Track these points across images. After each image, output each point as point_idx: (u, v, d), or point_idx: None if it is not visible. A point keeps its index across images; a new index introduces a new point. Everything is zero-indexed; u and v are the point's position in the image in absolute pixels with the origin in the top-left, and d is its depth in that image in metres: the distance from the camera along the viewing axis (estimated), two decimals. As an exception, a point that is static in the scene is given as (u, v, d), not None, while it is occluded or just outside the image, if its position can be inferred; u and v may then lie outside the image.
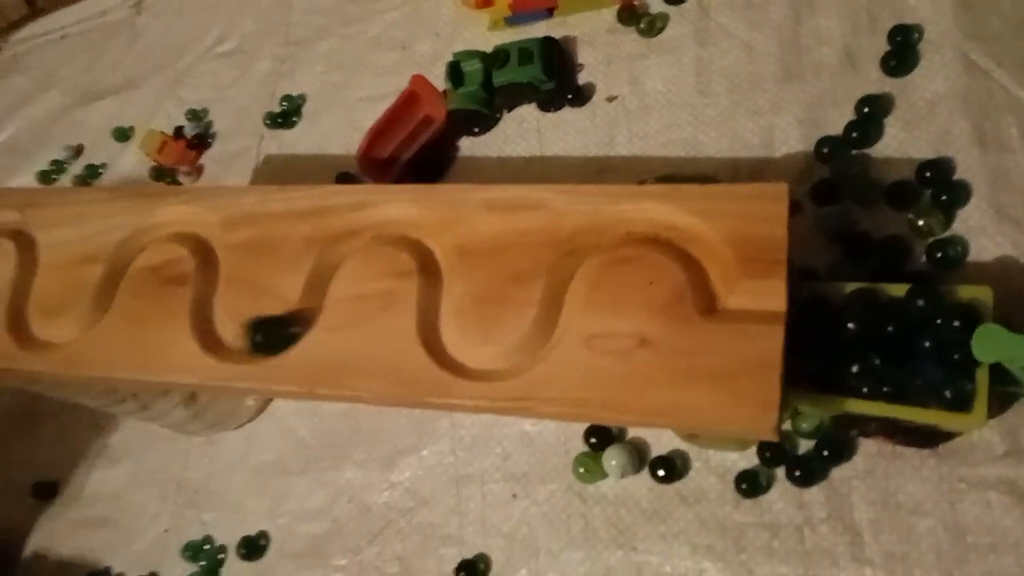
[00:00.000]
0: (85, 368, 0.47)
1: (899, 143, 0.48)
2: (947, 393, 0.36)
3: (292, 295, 0.44)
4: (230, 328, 0.45)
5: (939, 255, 0.44)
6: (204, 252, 0.47)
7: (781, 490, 0.44)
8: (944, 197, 0.45)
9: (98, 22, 0.96)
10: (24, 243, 0.52)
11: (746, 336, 0.36)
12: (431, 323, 0.42)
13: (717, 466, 0.45)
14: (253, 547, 0.56)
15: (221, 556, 0.58)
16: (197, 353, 0.44)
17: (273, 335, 0.42)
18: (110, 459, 0.67)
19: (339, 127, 0.70)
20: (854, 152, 0.49)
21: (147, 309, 0.47)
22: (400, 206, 0.45)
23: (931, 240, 0.45)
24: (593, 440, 0.48)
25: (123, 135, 0.84)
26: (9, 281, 0.51)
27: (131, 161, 0.82)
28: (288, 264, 0.45)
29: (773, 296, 0.37)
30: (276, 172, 0.72)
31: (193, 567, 0.58)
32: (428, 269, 0.43)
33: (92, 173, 0.83)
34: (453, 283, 0.43)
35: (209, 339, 0.45)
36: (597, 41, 0.61)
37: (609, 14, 0.61)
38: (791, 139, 0.51)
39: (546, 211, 0.42)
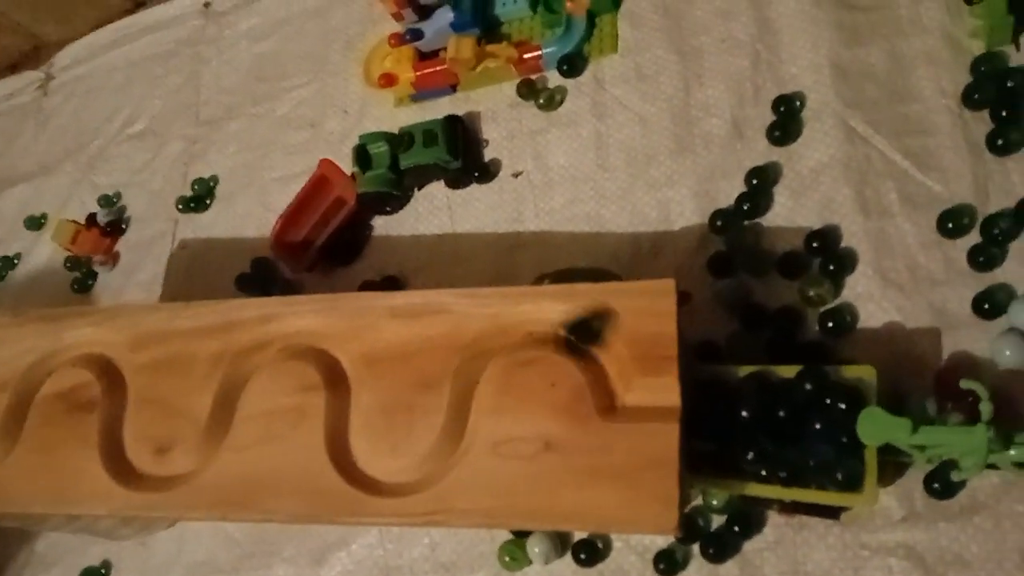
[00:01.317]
0: (-1, 502, 0.46)
1: (788, 211, 0.50)
2: (838, 475, 0.38)
3: (202, 414, 0.44)
4: (140, 452, 0.44)
5: (830, 324, 0.45)
6: (112, 374, 0.47)
7: (697, 566, 0.45)
8: (832, 267, 0.47)
9: (5, 105, 0.94)
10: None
11: (644, 434, 0.38)
12: (340, 438, 0.42)
13: (636, 545, 0.46)
14: (190, 653, 0.56)
15: (159, 664, 0.57)
16: (108, 482, 0.44)
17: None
18: (42, 565, 0.65)
19: (253, 208, 0.70)
20: (746, 223, 0.50)
21: (57, 437, 0.46)
22: (306, 317, 0.45)
23: (822, 309, 0.46)
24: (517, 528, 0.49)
25: (36, 223, 0.82)
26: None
27: (46, 251, 0.80)
28: (197, 382, 0.45)
29: (667, 392, 0.38)
30: (192, 257, 0.71)
31: None
32: (335, 381, 0.44)
33: (7, 264, 0.81)
34: (361, 393, 0.43)
35: (119, 466, 0.44)
36: (500, 116, 0.62)
37: (509, 88, 0.62)
38: (687, 211, 0.52)
39: (449, 315, 0.43)
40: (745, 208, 0.50)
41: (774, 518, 0.44)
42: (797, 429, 0.39)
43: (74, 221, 0.76)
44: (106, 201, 0.79)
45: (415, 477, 0.40)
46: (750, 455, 0.39)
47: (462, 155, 0.60)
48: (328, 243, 0.63)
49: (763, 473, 0.40)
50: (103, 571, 0.62)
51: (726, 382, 0.42)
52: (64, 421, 0.46)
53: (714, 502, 0.44)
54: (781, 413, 0.39)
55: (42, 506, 0.45)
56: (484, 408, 0.41)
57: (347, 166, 0.63)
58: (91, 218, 0.77)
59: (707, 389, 0.42)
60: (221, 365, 0.45)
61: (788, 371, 0.41)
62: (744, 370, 0.42)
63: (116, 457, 0.44)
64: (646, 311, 0.40)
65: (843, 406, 0.38)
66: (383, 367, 0.43)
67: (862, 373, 0.40)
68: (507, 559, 0.48)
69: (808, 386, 0.40)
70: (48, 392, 0.47)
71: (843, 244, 0.48)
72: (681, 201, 0.53)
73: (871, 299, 0.46)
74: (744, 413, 0.40)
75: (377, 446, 0.41)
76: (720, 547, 0.44)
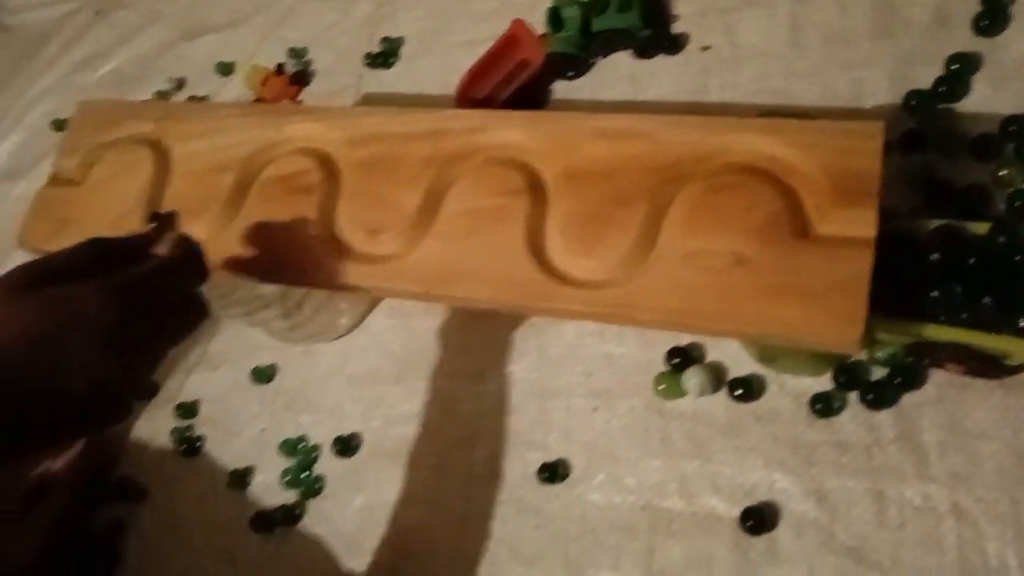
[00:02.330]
0: (216, 266, 0.52)
1: (985, 100, 0.50)
2: (1021, 322, 0.39)
3: (410, 206, 0.48)
4: (353, 233, 0.49)
5: (1018, 204, 0.46)
6: (329, 166, 0.51)
7: (852, 413, 0.47)
8: (1027, 150, 0.47)
9: (202, -41, 1.00)
10: (159, 153, 0.57)
11: (837, 258, 0.40)
12: (538, 236, 0.46)
13: (792, 389, 0.49)
14: (347, 445, 0.61)
15: (315, 454, 0.63)
16: (324, 254, 0.48)
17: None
18: (211, 365, 0.72)
19: (435, 70, 0.74)
20: (941, 106, 0.51)
21: (276, 214, 0.51)
22: (513, 131, 0.49)
23: (1011, 190, 0.47)
24: (674, 361, 0.52)
25: (226, 69, 0.88)
26: (145, 184, 0.56)
27: (233, 94, 0.86)
28: (407, 180, 0.49)
29: (864, 224, 0.40)
30: (374, 109, 0.76)
31: (288, 462, 0.63)
32: (536, 189, 0.47)
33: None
34: (559, 203, 0.46)
35: (334, 243, 0.49)
36: (694, -8, 0.64)
37: (706, -33, 0.64)
38: (880, 92, 0.53)
39: (651, 140, 0.45)
40: (941, 91, 0.51)
41: (936, 377, 0.46)
42: (984, 277, 0.41)
43: (265, 67, 0.82)
44: (294, 53, 0.84)
45: (606, 276, 0.44)
46: (935, 294, 0.41)
47: (653, 25, 0.62)
48: (508, 102, 0.66)
49: (943, 317, 0.41)
50: (270, 372, 0.68)
51: (914, 235, 0.43)
52: (283, 200, 0.51)
53: (879, 355, 0.46)
54: (970, 261, 0.41)
55: (258, 275, 0.50)
56: (678, 224, 0.43)
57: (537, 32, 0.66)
58: (279, 68, 0.83)
59: (894, 239, 0.43)
60: (430, 167, 0.49)
61: (979, 227, 0.42)
62: (934, 223, 0.43)
63: (331, 234, 0.49)
64: (852, 150, 0.41)
65: (1036, 259, 0.39)
66: (582, 181, 0.46)
67: (1058, 233, 0.41)
68: (662, 388, 0.51)
69: (1001, 239, 0.41)
70: (270, 175, 0.52)
71: (1042, 131, 0.48)
72: (876, 82, 0.54)
73: (1064, 186, 0.46)
74: (933, 256, 0.41)
75: (572, 247, 0.45)
76: (879, 396, 0.46)
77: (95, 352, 0.38)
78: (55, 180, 0.60)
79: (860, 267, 0.39)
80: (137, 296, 0.40)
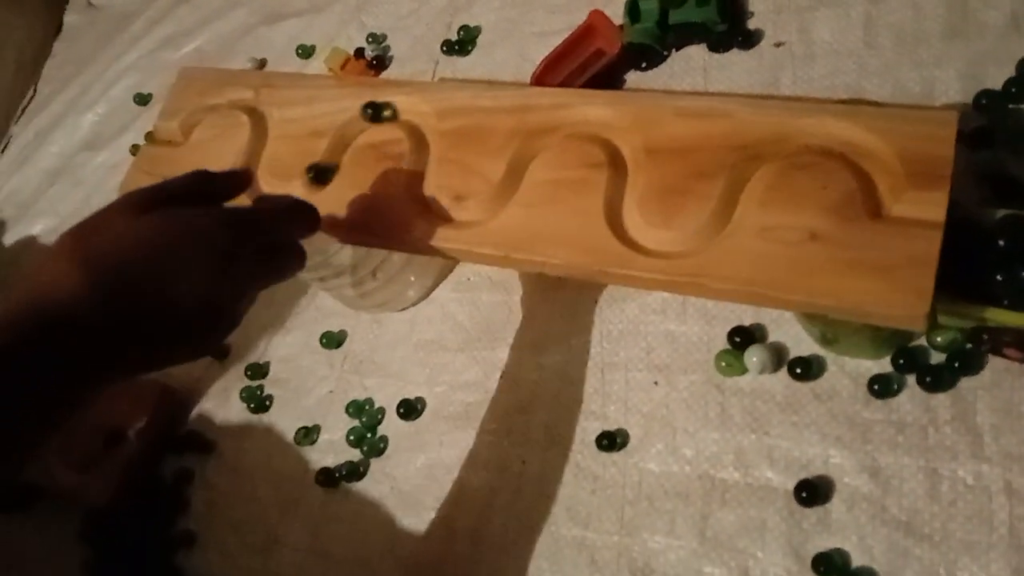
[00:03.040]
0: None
1: (1056, 101, 0.52)
2: (1085, 308, 0.41)
3: (495, 175, 0.51)
4: (440, 198, 0.52)
5: (1085, 201, 0.48)
6: (418, 136, 0.54)
7: (910, 394, 0.48)
8: (1097, 150, 0.49)
9: (285, -52, 1.04)
10: (256, 118, 0.60)
11: (907, 237, 0.42)
12: (616, 208, 0.48)
13: (851, 371, 0.50)
14: (411, 408, 0.64)
15: (380, 416, 0.66)
16: (413, 217, 0.51)
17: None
18: (284, 329, 0.75)
19: (511, 58, 0.77)
20: (1011, 106, 0.53)
21: (367, 180, 0.54)
22: (596, 108, 0.51)
23: (1079, 188, 0.48)
24: (737, 339, 0.54)
25: (306, 52, 0.92)
26: (243, 147, 0.59)
27: (312, 75, 0.90)
28: (492, 150, 0.52)
29: (935, 207, 0.42)
30: (449, 93, 0.79)
31: (354, 423, 0.66)
32: (617, 163, 0.49)
33: (276, 84, 0.92)
34: (638, 176, 0.49)
35: (422, 207, 0.52)
36: (769, -9, 0.66)
37: (783, -34, 0.66)
38: (951, 90, 0.55)
39: (732, 120, 0.48)
40: (1013, 91, 0.52)
41: (995, 363, 0.47)
42: (1050, 265, 0.42)
43: (345, 50, 0.86)
44: (373, 39, 0.87)
45: (681, 248, 0.46)
46: (999, 278, 0.42)
47: (729, 20, 0.64)
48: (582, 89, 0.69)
49: (1007, 302, 0.43)
50: (340, 337, 0.71)
51: (981, 222, 0.45)
52: (374, 167, 0.54)
53: (939, 340, 0.48)
54: (1038, 248, 0.42)
55: (349, 236, 0.53)
56: (754, 199, 0.45)
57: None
58: (359, 51, 0.86)
59: (961, 225, 0.45)
60: (515, 139, 0.52)
61: (1048, 219, 0.44)
62: (1002, 212, 0.45)
63: (419, 199, 0.52)
64: (926, 136, 0.43)
65: (1103, 249, 0.41)
66: (662, 157, 0.48)
67: (1126, 226, 0.42)
68: (723, 364, 0.53)
69: (1069, 229, 0.42)
70: (362, 143, 0.55)
71: (1110, 133, 0.49)
72: (947, 81, 0.55)
73: None
74: (1000, 242, 0.43)
75: (650, 219, 0.47)
76: (937, 379, 0.47)
77: (205, 272, 0.41)
78: (154, 140, 0.64)
79: (929, 246, 0.41)
80: (249, 230, 0.44)
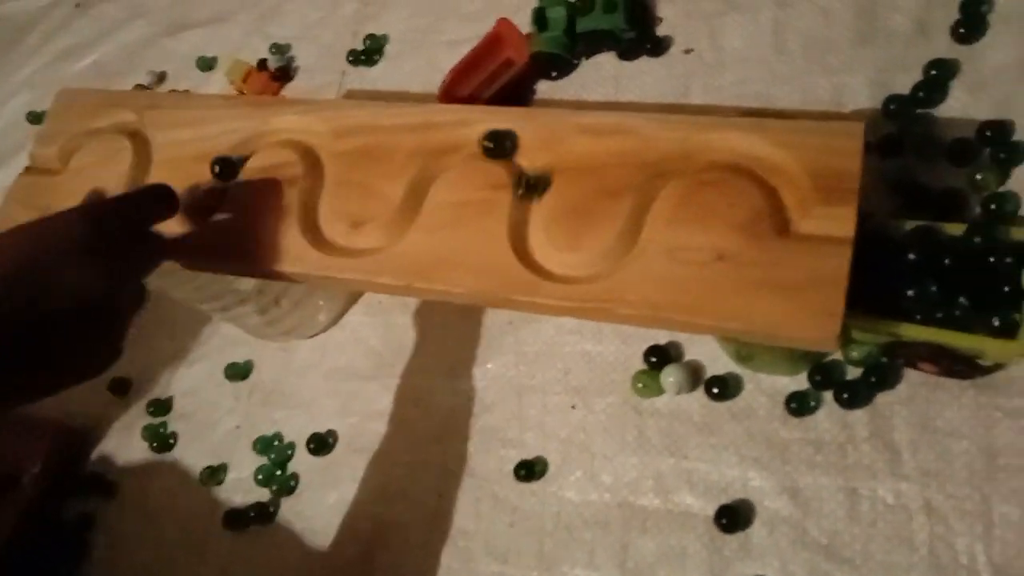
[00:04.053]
0: (195, 259, 0.51)
1: (962, 105, 0.51)
2: (995, 321, 0.40)
3: (395, 197, 0.48)
4: (335, 225, 0.49)
5: (993, 207, 0.47)
6: (312, 159, 0.51)
7: (827, 411, 0.47)
8: (1002, 155, 0.48)
9: (186, -44, 1.00)
10: (140, 142, 0.56)
11: (816, 255, 0.40)
12: (521, 230, 0.46)
13: (768, 388, 0.49)
14: (322, 443, 0.61)
15: (290, 452, 0.62)
16: (304, 246, 0.48)
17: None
18: (187, 361, 0.71)
19: (420, 68, 0.74)
20: (919, 111, 0.52)
21: (257, 206, 0.51)
22: (500, 126, 0.49)
23: (986, 194, 0.48)
24: (652, 359, 0.52)
25: (207, 64, 0.88)
26: (125, 173, 0.55)
27: (214, 89, 0.86)
28: (393, 171, 0.49)
29: (843, 222, 0.41)
30: (357, 106, 0.76)
31: (262, 460, 0.63)
32: (521, 183, 0.47)
33: (176, 98, 0.87)
34: (545, 197, 0.46)
35: (315, 234, 0.49)
36: (678, -3, 0.64)
37: (691, -28, 0.64)
38: (860, 97, 0.54)
39: (637, 136, 0.46)
40: (920, 96, 0.52)
41: (910, 377, 0.46)
42: (960, 277, 0.41)
43: (247, 62, 0.82)
44: (277, 49, 0.84)
45: (588, 272, 0.44)
46: (911, 293, 0.41)
47: (637, 27, 0.63)
48: (492, 101, 0.67)
49: (919, 316, 0.42)
50: (246, 368, 0.68)
51: (892, 234, 0.44)
52: (265, 192, 0.51)
53: (854, 354, 0.47)
54: (946, 261, 0.41)
55: (237, 268, 0.50)
56: (661, 219, 0.44)
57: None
58: (262, 63, 0.83)
59: (872, 238, 0.44)
60: (416, 159, 0.49)
61: (955, 228, 0.43)
62: (911, 224, 0.44)
63: (312, 226, 0.49)
64: (833, 149, 0.42)
65: (1009, 259, 0.40)
66: (568, 175, 0.46)
67: (1031, 235, 0.41)
68: (639, 386, 0.52)
69: (976, 239, 0.41)
70: (252, 166, 0.52)
71: (1016, 137, 0.49)
72: (856, 87, 0.55)
73: (1037, 191, 0.47)
74: (910, 256, 0.42)
75: (555, 241, 0.45)
76: (853, 395, 0.46)
77: (75, 270, 0.40)
78: (32, 168, 0.59)
79: (839, 264, 0.39)
80: (107, 220, 0.43)
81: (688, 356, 0.52)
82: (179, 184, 0.53)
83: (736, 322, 0.41)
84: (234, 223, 0.51)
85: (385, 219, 0.48)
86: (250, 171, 0.52)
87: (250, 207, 0.51)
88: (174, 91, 0.87)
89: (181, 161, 0.54)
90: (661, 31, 0.64)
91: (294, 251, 0.48)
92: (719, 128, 0.45)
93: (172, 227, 0.51)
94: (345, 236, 0.49)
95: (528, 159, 0.48)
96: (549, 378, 0.56)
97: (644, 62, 0.63)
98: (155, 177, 0.55)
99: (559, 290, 0.44)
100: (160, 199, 0.47)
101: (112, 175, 0.55)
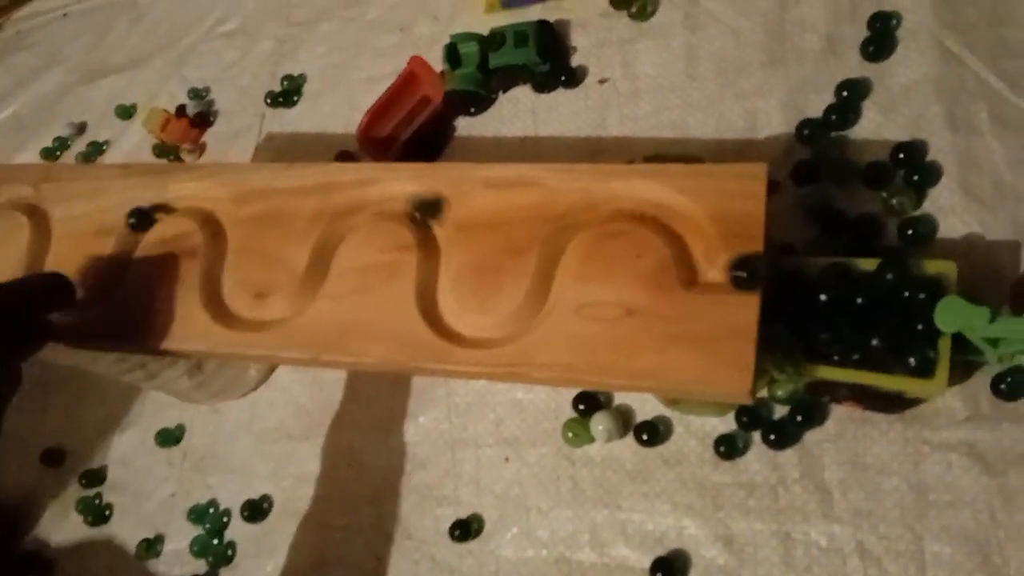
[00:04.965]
0: (96, 339, 0.49)
1: (875, 126, 0.51)
2: (911, 360, 0.39)
3: (299, 265, 0.47)
4: (238, 297, 0.47)
5: (910, 232, 0.46)
6: (213, 226, 0.49)
7: (757, 452, 0.46)
8: (916, 178, 0.47)
9: (101, 1, 0.97)
10: (37, 217, 0.54)
11: (725, 305, 0.39)
12: (430, 294, 0.44)
13: (697, 430, 0.48)
14: (256, 510, 0.59)
15: (226, 519, 0.60)
16: (207, 321, 0.46)
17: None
18: (118, 427, 0.69)
19: (339, 107, 0.72)
20: (833, 134, 0.51)
21: (158, 280, 0.49)
22: (402, 183, 0.47)
23: (903, 218, 0.47)
24: (581, 407, 0.51)
25: (126, 113, 0.85)
26: (23, 253, 0.53)
27: (134, 138, 0.83)
28: (295, 237, 0.47)
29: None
30: (278, 150, 0.74)
31: (198, 530, 0.61)
32: (427, 243, 0.46)
33: (96, 150, 0.85)
34: (451, 255, 0.45)
35: (218, 308, 0.47)
36: (590, 25, 0.63)
37: (602, -2, 0.63)
38: (774, 121, 0.53)
39: (541, 188, 0.44)
40: (833, 119, 0.51)
41: (837, 412, 0.45)
42: (874, 316, 0.40)
43: (164, 110, 0.79)
44: (195, 94, 0.81)
45: (499, 334, 0.42)
46: (825, 336, 0.40)
47: (551, 59, 0.61)
48: (411, 140, 0.65)
49: (836, 357, 0.41)
50: (177, 433, 0.66)
51: (805, 273, 0.43)
52: (164, 265, 0.49)
53: (779, 393, 0.46)
54: (859, 300, 0.41)
55: (139, 346, 0.48)
56: (569, 275, 0.42)
57: (436, 68, 0.65)
58: (180, 109, 0.80)
59: (786, 279, 0.43)
60: (319, 223, 0.47)
61: (868, 264, 0.42)
62: (824, 261, 0.43)
63: (215, 300, 0.47)
64: (736, 192, 0.41)
65: (922, 296, 0.39)
66: (474, 232, 0.45)
67: (943, 268, 0.41)
68: (570, 435, 0.50)
69: (889, 276, 0.41)
70: (152, 238, 0.50)
71: (929, 158, 0.48)
72: (769, 111, 0.54)
73: (952, 212, 0.47)
74: (823, 297, 0.41)
75: (464, 303, 0.43)
76: (781, 435, 0.45)
77: None
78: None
79: (748, 315, 0.38)
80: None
81: (617, 400, 0.51)
82: (80, 260, 0.51)
83: (649, 380, 0.40)
84: (134, 300, 0.49)
85: (290, 288, 0.46)
86: (150, 243, 0.50)
87: (150, 282, 0.49)
88: (93, 144, 0.85)
89: (81, 236, 0.52)
90: (575, 61, 0.62)
91: (197, 327, 0.47)
92: (622, 176, 0.43)
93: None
94: (249, 308, 0.47)
95: (434, 217, 0.46)
96: (481, 430, 0.54)
97: (560, 94, 0.62)
98: (55, 254, 0.53)
99: (470, 355, 0.42)
100: (57, 290, 0.46)
101: (11, 254, 0.53)
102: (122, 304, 0.49)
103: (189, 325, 0.47)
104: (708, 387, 0.38)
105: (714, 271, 0.40)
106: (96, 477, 0.67)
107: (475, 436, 0.54)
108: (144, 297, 0.49)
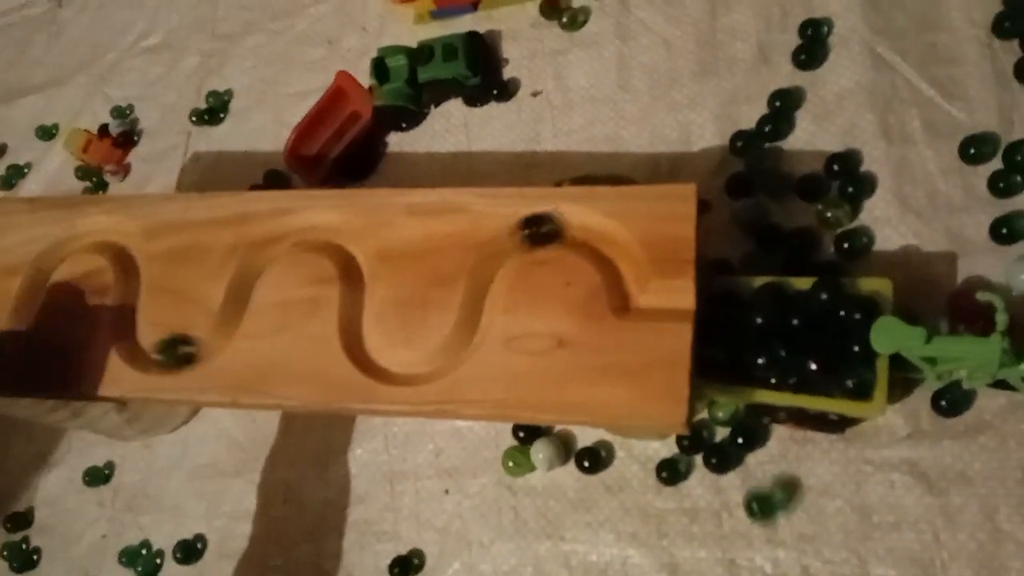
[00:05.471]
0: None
1: (809, 136, 0.50)
2: (849, 383, 0.38)
3: (215, 303, 0.44)
4: (152, 338, 0.44)
5: (846, 245, 0.45)
6: (125, 262, 0.47)
7: (700, 476, 0.45)
8: (851, 189, 0.46)
9: (18, 16, 0.93)
10: (-60, 256, 0.51)
11: (657, 334, 0.38)
12: (354, 329, 0.42)
13: (639, 455, 0.47)
14: (190, 551, 0.56)
15: (159, 561, 0.58)
16: (120, 366, 0.44)
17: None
18: (45, 466, 0.66)
19: (267, 124, 0.70)
20: (767, 145, 0.50)
21: (69, 321, 0.46)
22: (322, 212, 0.45)
23: (839, 231, 0.46)
24: (521, 434, 0.49)
25: (47, 133, 0.82)
26: (-74, 295, 0.50)
27: (56, 160, 0.80)
28: (210, 272, 0.45)
29: (682, 295, 0.38)
30: (204, 169, 0.71)
31: (130, 573, 0.58)
32: (350, 274, 0.44)
33: (17, 173, 0.81)
34: (375, 288, 0.43)
35: (131, 351, 0.44)
36: (521, 35, 0.61)
37: (532, 8, 0.62)
38: (707, 134, 0.52)
39: (467, 214, 0.43)
40: (766, 131, 0.50)
41: (778, 432, 0.44)
42: (810, 338, 0.39)
43: (86, 130, 0.76)
44: (118, 113, 0.78)
45: (427, 369, 0.41)
46: (761, 360, 0.39)
47: (481, 72, 0.59)
48: (342, 157, 0.63)
49: (773, 381, 0.40)
50: (107, 471, 0.63)
51: (740, 293, 0.42)
52: (75, 305, 0.46)
53: (719, 415, 0.45)
54: (795, 321, 0.39)
55: (52, 391, 0.45)
56: (498, 305, 0.41)
57: (365, 82, 0.63)
58: (103, 129, 0.77)
59: (720, 300, 0.42)
60: (235, 256, 0.45)
61: (803, 283, 0.41)
62: (759, 281, 0.42)
63: (128, 341, 0.45)
64: (666, 215, 0.40)
65: (858, 316, 0.38)
66: (398, 263, 0.43)
67: (878, 286, 0.40)
68: (511, 464, 0.49)
69: (823, 296, 0.40)
70: (61, 276, 0.47)
71: (863, 168, 0.47)
72: (702, 124, 0.52)
73: (888, 223, 0.46)
74: (758, 320, 0.40)
75: (390, 338, 0.42)
76: (723, 458, 0.44)
77: None
78: None
79: (680, 343, 0.37)
80: None
81: (559, 427, 0.50)
82: (-15, 302, 0.48)
83: (581, 414, 0.38)
84: (42, 344, 0.46)
85: (206, 328, 0.44)
86: (59, 282, 0.47)
87: (59, 324, 0.46)
88: (12, 168, 0.81)
89: (-15, 277, 0.49)
90: (508, 73, 0.61)
91: (109, 371, 0.44)
92: (549, 200, 0.42)
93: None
94: (165, 350, 0.44)
95: (356, 247, 0.44)
96: (421, 461, 0.52)
97: (493, 107, 0.60)
98: (-41, 296, 0.50)
99: (397, 393, 0.40)
100: None
101: (-90, 298, 0.49)
102: (30, 348, 0.46)
103: (101, 369, 0.44)
104: (642, 420, 0.37)
105: (646, 296, 0.39)
106: (22, 520, 0.64)
107: (414, 468, 0.52)
108: (53, 340, 0.46)
